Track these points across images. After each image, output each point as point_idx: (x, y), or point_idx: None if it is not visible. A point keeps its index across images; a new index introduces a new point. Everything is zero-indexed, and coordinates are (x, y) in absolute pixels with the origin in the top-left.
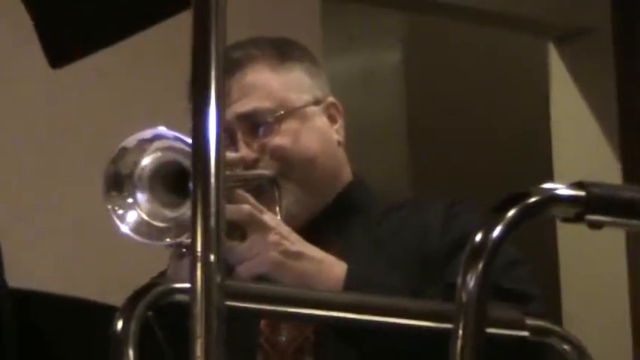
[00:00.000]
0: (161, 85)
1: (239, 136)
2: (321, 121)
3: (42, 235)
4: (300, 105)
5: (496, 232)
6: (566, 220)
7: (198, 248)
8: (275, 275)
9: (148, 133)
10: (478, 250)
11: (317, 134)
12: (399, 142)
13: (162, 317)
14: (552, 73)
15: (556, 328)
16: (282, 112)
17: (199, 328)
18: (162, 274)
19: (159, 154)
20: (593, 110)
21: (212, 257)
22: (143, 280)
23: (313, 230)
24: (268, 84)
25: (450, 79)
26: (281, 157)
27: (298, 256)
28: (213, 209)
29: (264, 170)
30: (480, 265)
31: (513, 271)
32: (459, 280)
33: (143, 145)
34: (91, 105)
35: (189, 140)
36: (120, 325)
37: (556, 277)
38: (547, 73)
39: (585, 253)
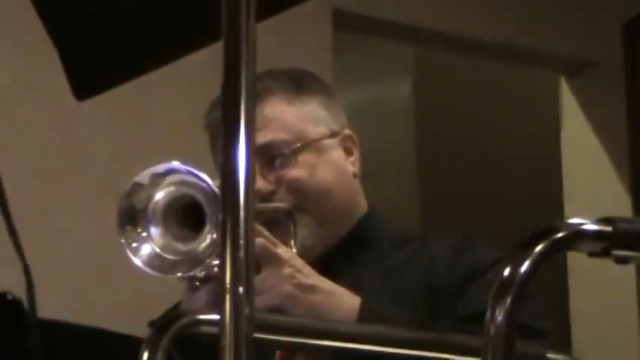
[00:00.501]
0: (175, 119)
1: (255, 169)
2: (337, 153)
3: (50, 263)
4: (317, 137)
5: (524, 267)
6: (592, 255)
7: (227, 280)
8: (288, 308)
9: (160, 168)
10: (506, 284)
11: (333, 167)
12: (409, 174)
13: (183, 348)
14: (563, 107)
15: None
16: (298, 145)
17: None
18: (177, 306)
19: (172, 188)
20: (603, 143)
21: (241, 289)
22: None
23: (326, 262)
24: (285, 116)
25: (460, 113)
26: (297, 189)
27: (312, 289)
28: (242, 241)
29: (281, 203)
30: (508, 300)
31: (527, 305)
32: (488, 315)
33: (156, 180)
34: (103, 136)
35: (202, 175)
36: (146, 356)
37: (566, 309)
38: (558, 107)
39: (595, 285)
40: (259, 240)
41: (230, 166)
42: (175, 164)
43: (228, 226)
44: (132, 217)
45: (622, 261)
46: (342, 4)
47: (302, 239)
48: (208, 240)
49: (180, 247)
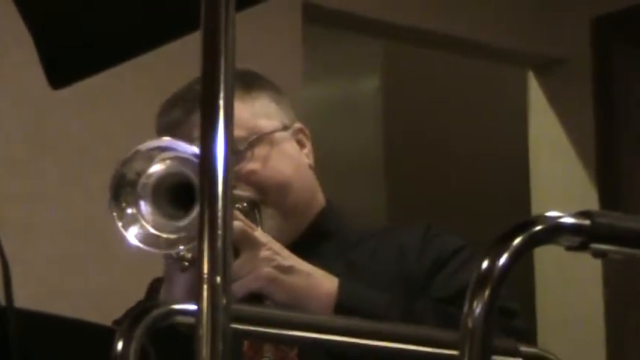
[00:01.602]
0: (148, 107)
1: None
2: (291, 145)
3: (19, 253)
4: (270, 130)
5: (502, 259)
6: (570, 248)
7: (205, 270)
8: (268, 290)
9: (155, 143)
10: (484, 277)
11: (289, 159)
12: (375, 170)
13: (159, 339)
14: (531, 102)
15: (549, 355)
16: (253, 138)
17: (205, 350)
18: (153, 287)
19: (167, 163)
20: (570, 139)
21: (218, 279)
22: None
23: None
24: (237, 113)
25: (428, 110)
26: (255, 181)
27: (290, 270)
28: (220, 231)
29: (246, 192)
30: (487, 293)
31: None
32: (465, 307)
33: (151, 154)
34: (75, 124)
35: (197, 151)
36: (120, 346)
37: (532, 302)
38: (526, 102)
39: (561, 279)
40: (237, 223)
41: (208, 156)
42: (170, 140)
43: (206, 216)
44: (123, 191)
45: (600, 255)
46: None
47: (267, 231)
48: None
49: (172, 224)
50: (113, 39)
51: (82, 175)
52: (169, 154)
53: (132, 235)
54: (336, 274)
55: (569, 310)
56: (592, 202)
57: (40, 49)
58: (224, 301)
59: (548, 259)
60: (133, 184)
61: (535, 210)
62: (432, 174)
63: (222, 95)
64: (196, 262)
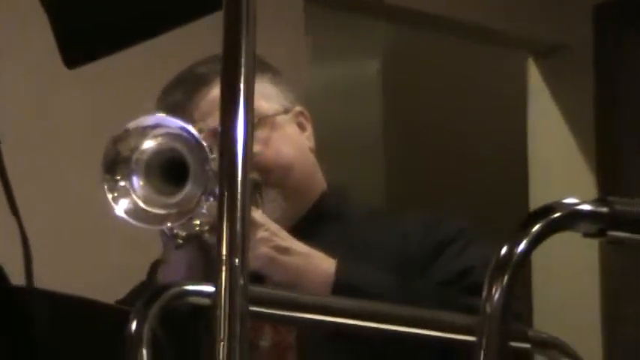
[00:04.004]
0: (155, 88)
1: (214, 149)
2: (292, 128)
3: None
4: (271, 114)
5: (521, 246)
6: (587, 235)
7: (224, 252)
8: (267, 270)
9: (149, 120)
10: (503, 263)
11: (290, 141)
12: (376, 152)
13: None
14: (530, 88)
15: (557, 340)
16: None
17: (222, 331)
18: (143, 284)
19: (159, 140)
20: (570, 126)
21: (237, 261)
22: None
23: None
24: None
25: (428, 92)
26: (257, 163)
27: (288, 251)
28: (239, 214)
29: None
30: (505, 279)
31: None
32: (484, 293)
33: (144, 131)
34: (82, 105)
35: (190, 128)
36: (134, 326)
37: (529, 288)
38: (525, 88)
39: (558, 264)
40: None
41: (228, 139)
42: (164, 117)
43: (226, 199)
44: (116, 166)
45: (617, 242)
46: None
47: (269, 213)
48: (192, 195)
49: (163, 199)
50: (131, 19)
51: (88, 154)
52: (160, 130)
53: (121, 208)
54: (337, 256)
55: (566, 297)
56: (591, 190)
57: (55, 28)
58: (241, 282)
59: (544, 245)
60: (127, 159)
61: (533, 196)
62: (431, 158)
63: (242, 80)
64: (190, 239)
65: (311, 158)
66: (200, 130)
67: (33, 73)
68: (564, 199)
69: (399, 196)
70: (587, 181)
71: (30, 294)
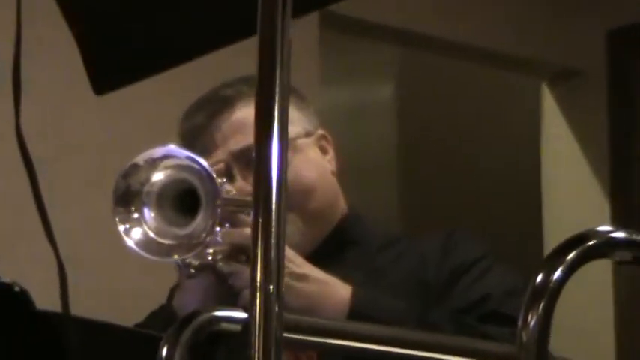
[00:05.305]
0: (168, 107)
1: (235, 172)
2: (314, 152)
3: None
4: (293, 137)
5: (556, 274)
6: (622, 262)
7: (258, 278)
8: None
9: (158, 151)
10: (539, 291)
11: (312, 165)
12: (389, 175)
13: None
14: (544, 113)
15: None
16: None
17: (257, 358)
18: (162, 307)
19: (169, 172)
20: (584, 151)
21: (271, 288)
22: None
23: (312, 261)
24: None
25: (442, 116)
26: None
27: (304, 278)
28: (274, 240)
29: None
30: (541, 307)
31: (515, 299)
32: (520, 321)
33: (154, 163)
34: (95, 124)
35: (200, 159)
36: (165, 352)
37: None
38: (539, 113)
39: (571, 283)
40: (249, 230)
41: (263, 163)
42: (173, 148)
43: (260, 225)
44: (127, 199)
45: None
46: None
47: (289, 237)
48: (202, 226)
49: (175, 231)
50: (160, 45)
51: (105, 176)
52: (170, 162)
53: (133, 239)
54: (357, 282)
55: (580, 320)
56: (604, 214)
57: (84, 54)
58: (276, 309)
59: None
60: (137, 193)
61: (547, 221)
62: (444, 182)
63: (276, 103)
64: (203, 269)
65: (332, 182)
66: (216, 162)
67: (51, 95)
68: (597, 227)
69: (412, 220)
70: (602, 206)
71: (63, 320)
